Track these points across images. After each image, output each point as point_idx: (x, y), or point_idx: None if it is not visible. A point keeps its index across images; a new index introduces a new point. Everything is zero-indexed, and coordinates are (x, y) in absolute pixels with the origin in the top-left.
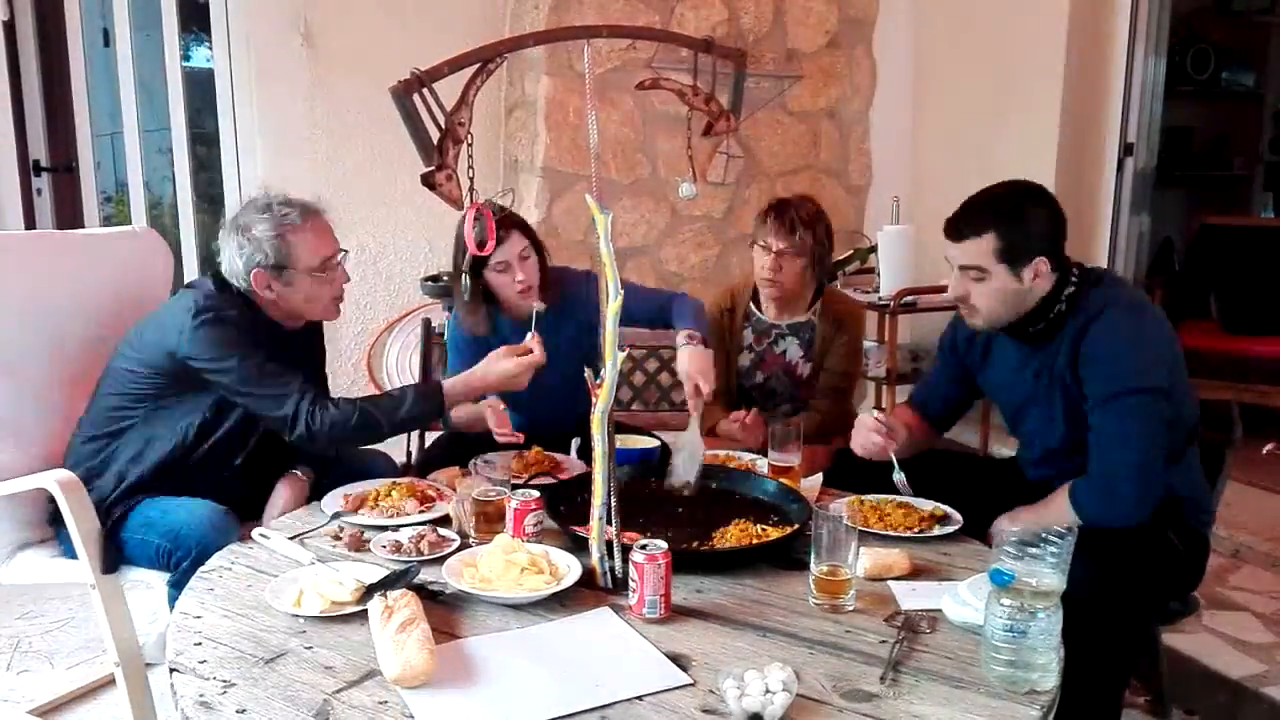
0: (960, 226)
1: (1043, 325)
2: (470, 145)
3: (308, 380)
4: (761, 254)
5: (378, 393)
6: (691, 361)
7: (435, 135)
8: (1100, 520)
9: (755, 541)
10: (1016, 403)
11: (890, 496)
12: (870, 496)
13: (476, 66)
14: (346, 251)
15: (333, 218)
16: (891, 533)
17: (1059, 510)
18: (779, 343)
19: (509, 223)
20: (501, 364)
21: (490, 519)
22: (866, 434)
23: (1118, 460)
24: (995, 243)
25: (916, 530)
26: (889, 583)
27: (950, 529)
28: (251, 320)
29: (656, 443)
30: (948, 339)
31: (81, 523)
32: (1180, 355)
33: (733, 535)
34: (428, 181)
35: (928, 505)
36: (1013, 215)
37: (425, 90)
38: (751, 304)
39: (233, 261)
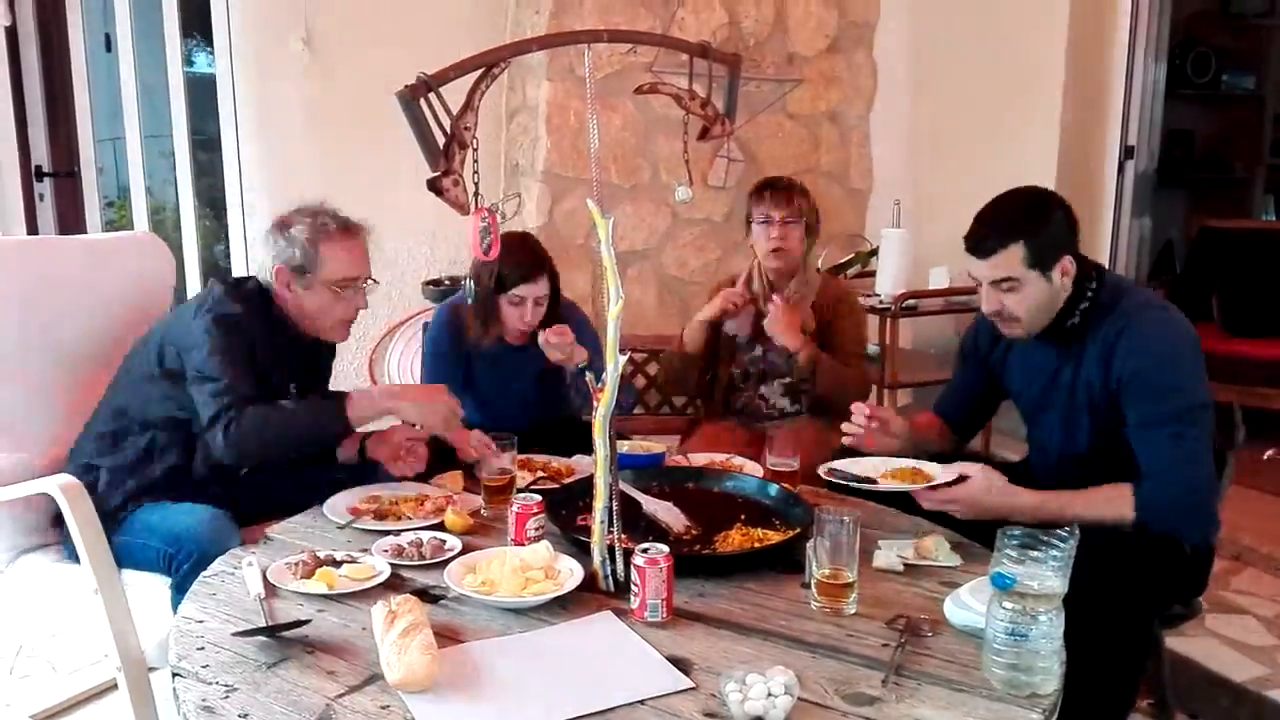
0: (985, 243)
1: (1076, 320)
2: (475, 150)
3: (255, 391)
4: (763, 229)
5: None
6: None
7: (440, 140)
8: (1177, 532)
9: (757, 545)
10: (1036, 405)
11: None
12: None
13: (481, 71)
14: (376, 281)
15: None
16: (899, 486)
17: (1104, 507)
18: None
19: (543, 265)
20: (431, 404)
21: (500, 494)
22: (852, 424)
23: (1195, 478)
24: (1023, 251)
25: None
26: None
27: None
28: (259, 314)
29: (662, 448)
30: (969, 342)
31: (84, 528)
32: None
33: (734, 539)
34: (434, 187)
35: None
36: (1035, 221)
37: (431, 95)
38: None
39: (265, 256)
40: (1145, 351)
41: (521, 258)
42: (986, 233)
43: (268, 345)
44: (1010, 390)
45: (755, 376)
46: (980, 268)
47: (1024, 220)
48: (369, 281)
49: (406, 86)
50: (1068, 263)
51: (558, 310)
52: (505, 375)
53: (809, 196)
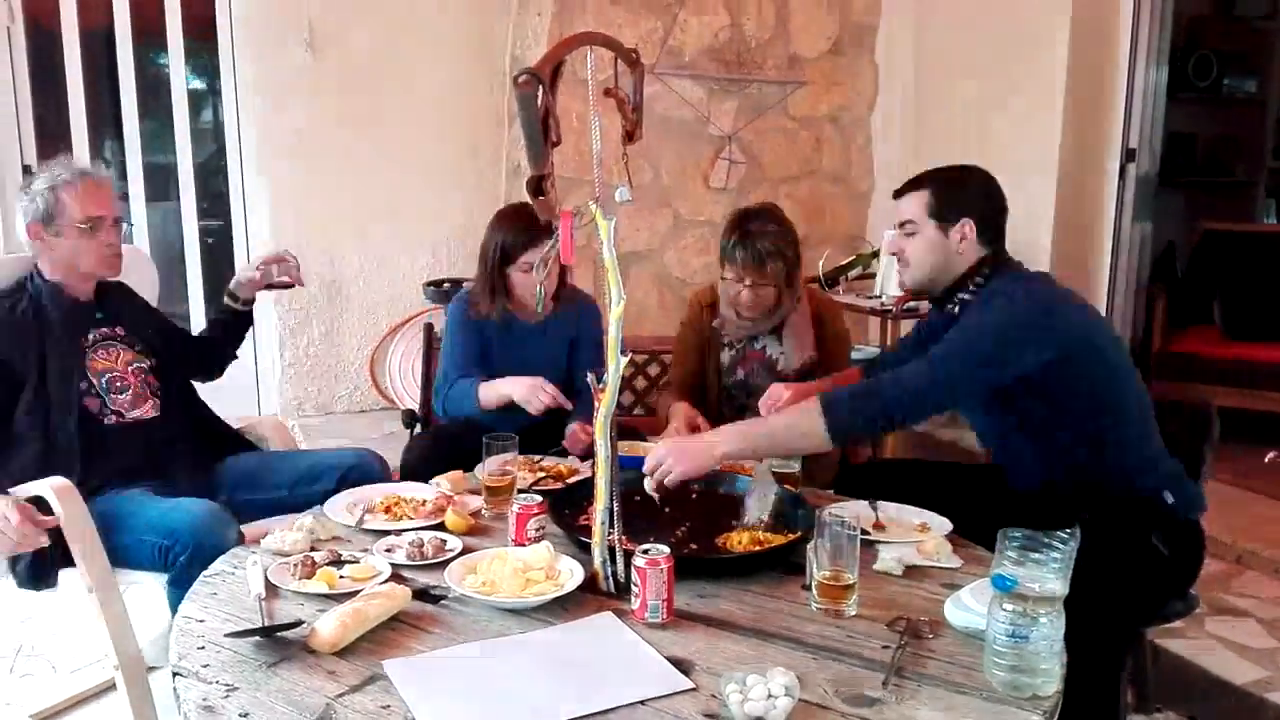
0: (901, 188)
1: (954, 308)
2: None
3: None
4: (731, 284)
5: None
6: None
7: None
8: (850, 428)
9: (759, 547)
10: None
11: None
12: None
13: (554, 66)
14: (130, 224)
15: (343, 223)
16: (889, 539)
17: (795, 421)
18: (758, 339)
19: (547, 228)
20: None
21: (501, 494)
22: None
23: (886, 383)
24: (927, 198)
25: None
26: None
27: (943, 532)
28: (25, 302)
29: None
30: (928, 323)
31: (78, 528)
32: (1081, 327)
33: (742, 540)
34: (536, 189)
35: (916, 519)
36: (948, 177)
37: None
38: None
39: (21, 222)
40: (982, 311)
41: (521, 225)
42: (907, 182)
43: (41, 320)
44: None
45: (740, 400)
46: (895, 209)
47: (940, 174)
48: (119, 223)
49: (522, 82)
50: (968, 227)
51: (566, 288)
52: (516, 357)
53: (786, 242)
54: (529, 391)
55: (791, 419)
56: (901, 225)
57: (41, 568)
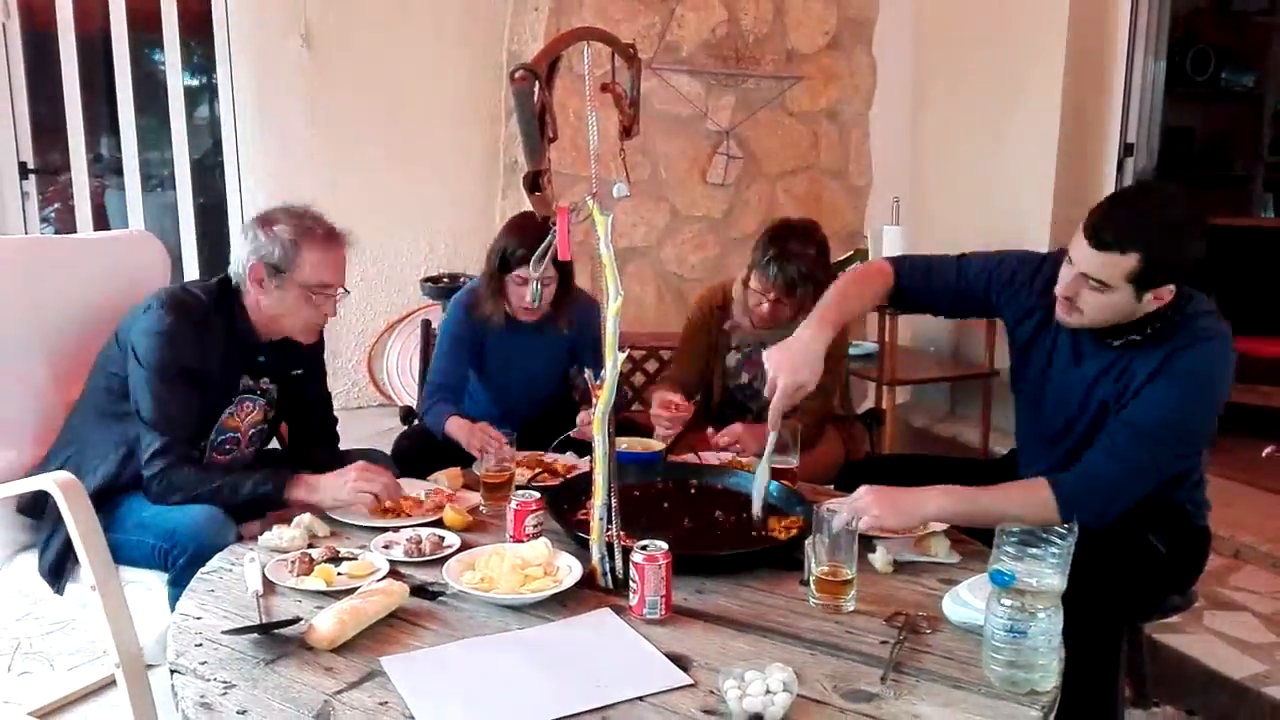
0: (1104, 235)
1: (1137, 338)
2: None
3: (186, 434)
4: (754, 294)
5: (225, 473)
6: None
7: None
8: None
9: (789, 534)
10: (1051, 406)
11: None
12: None
13: (550, 63)
14: (347, 291)
15: (335, 221)
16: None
17: (1020, 506)
18: (767, 344)
19: (545, 226)
20: (336, 487)
21: (499, 491)
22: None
23: (1113, 474)
24: (1136, 264)
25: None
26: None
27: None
28: (214, 315)
29: (660, 446)
30: (1004, 276)
31: (82, 525)
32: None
33: (778, 529)
34: (534, 184)
35: None
36: (1167, 242)
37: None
38: None
39: (241, 249)
40: (1182, 374)
41: (526, 236)
42: (1114, 227)
43: (223, 347)
44: (1019, 368)
45: (742, 404)
46: (1083, 253)
47: (1157, 237)
48: (341, 291)
49: (518, 77)
50: (1166, 291)
51: (569, 297)
52: (515, 357)
53: (821, 268)
54: (467, 437)
55: (1015, 495)
56: (1086, 277)
57: (64, 561)
